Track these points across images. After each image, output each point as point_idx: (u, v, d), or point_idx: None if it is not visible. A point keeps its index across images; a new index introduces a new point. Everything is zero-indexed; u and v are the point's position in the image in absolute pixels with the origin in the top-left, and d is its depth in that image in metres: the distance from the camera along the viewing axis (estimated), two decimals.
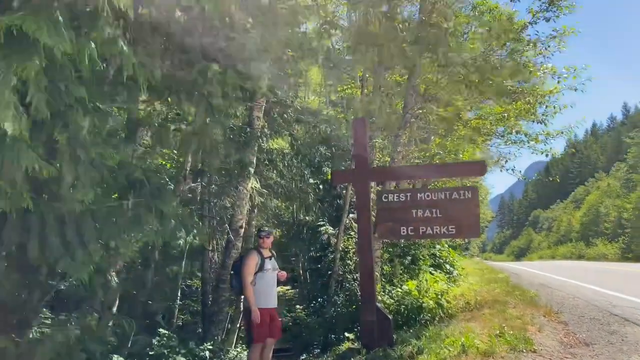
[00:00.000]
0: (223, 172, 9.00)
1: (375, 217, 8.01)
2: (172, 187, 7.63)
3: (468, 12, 10.27)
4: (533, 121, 11.50)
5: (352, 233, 14.15)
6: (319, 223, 14.75)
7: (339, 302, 10.31)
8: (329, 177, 10.79)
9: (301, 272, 26.72)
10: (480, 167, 7.69)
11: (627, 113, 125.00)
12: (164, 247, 11.30)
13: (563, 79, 9.40)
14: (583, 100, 11.45)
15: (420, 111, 10.69)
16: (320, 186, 15.75)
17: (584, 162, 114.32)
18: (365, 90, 10.88)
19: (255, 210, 12.77)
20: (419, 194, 8.11)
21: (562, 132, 11.52)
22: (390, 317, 8.00)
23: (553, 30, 9.22)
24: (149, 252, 8.27)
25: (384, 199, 8.18)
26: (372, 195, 8.17)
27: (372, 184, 9.81)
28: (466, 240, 35.30)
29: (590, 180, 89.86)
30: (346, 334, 9.21)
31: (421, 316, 9.29)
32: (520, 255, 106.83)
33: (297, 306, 19.90)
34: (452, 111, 9.33)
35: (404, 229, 8.23)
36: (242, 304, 6.33)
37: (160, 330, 7.83)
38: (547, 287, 13.85)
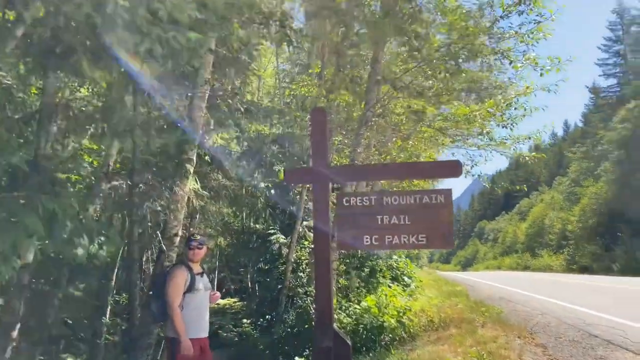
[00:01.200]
0: (154, 170, 7.66)
1: (334, 224, 6.83)
2: (87, 185, 6.30)
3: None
4: (498, 125, 10.77)
5: (306, 243, 13.02)
6: (270, 231, 13.53)
7: (289, 320, 9.11)
8: (281, 177, 9.64)
9: (250, 283, 25.27)
10: (455, 167, 6.65)
11: (567, 129, 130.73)
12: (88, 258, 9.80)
13: (546, 71, 8.66)
14: (553, 103, 10.78)
15: (381, 110, 9.73)
16: (272, 191, 14.55)
17: (528, 175, 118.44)
18: (325, 73, 9.83)
19: (197, 217, 11.41)
20: (385, 198, 6.95)
21: (529, 137, 10.88)
22: (349, 341, 6.78)
23: (537, 15, 8.49)
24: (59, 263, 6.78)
25: (344, 203, 6.97)
26: (331, 199, 7.08)
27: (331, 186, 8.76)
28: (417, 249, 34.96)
29: (535, 193, 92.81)
30: (297, 359, 8.03)
31: (382, 337, 8.25)
32: (466, 265, 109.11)
33: (244, 320, 18.54)
34: (420, 104, 8.41)
35: (367, 237, 7.00)
36: (165, 332, 4.92)
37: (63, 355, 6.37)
38: (509, 301, 13.18)
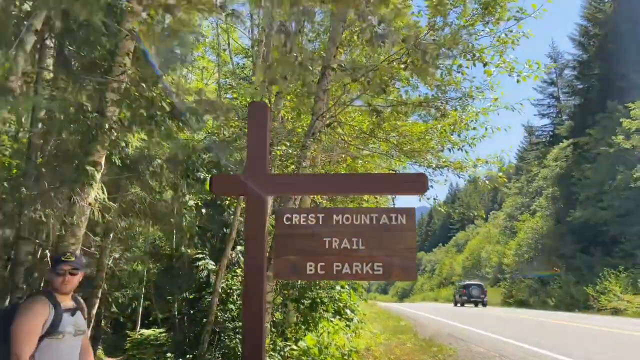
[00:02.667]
0: (46, 171, 6.15)
1: (272, 248, 5.53)
2: None
3: None
4: (452, 148, 9.98)
5: (239, 270, 11.63)
6: (197, 256, 12.02)
7: None
8: (208, 186, 8.33)
9: (177, 313, 23.23)
10: (420, 182, 5.58)
11: (502, 165, 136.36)
12: None
13: (523, 77, 7.94)
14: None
15: (331, 121, 8.68)
16: (203, 210, 13.08)
17: (464, 209, 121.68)
18: (270, 53, 8.67)
19: (111, 235, 9.78)
20: (335, 216, 5.67)
21: (486, 162, 10.19)
22: None
23: (517, 11, 7.78)
24: None
25: (285, 222, 5.66)
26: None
27: (271, 201, 7.55)
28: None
29: (471, 227, 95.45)
30: None
31: None
32: (403, 296, 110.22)
33: (168, 354, 16.67)
34: (381, 102, 7.43)
35: (311, 265, 5.66)
36: None
37: None
38: (460, 339, 12.31)
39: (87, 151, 6.35)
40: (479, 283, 41.85)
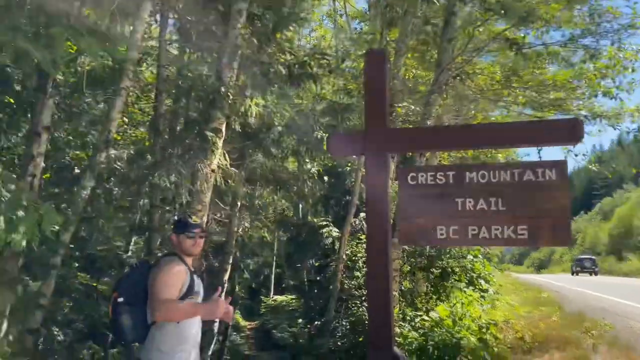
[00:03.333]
0: (168, 138, 6.28)
1: (397, 211, 5.04)
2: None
3: None
4: (597, 95, 8.49)
5: (363, 237, 11.36)
6: (321, 223, 11.98)
7: (340, 331, 7.49)
8: (325, 148, 8.04)
9: (305, 280, 23.92)
10: (574, 129, 4.66)
11: None
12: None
13: None
14: None
15: (460, 71, 7.86)
16: (325, 177, 12.99)
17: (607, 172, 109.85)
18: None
19: (239, 204, 10.02)
20: (468, 174, 4.94)
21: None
22: None
23: None
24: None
25: (410, 182, 5.05)
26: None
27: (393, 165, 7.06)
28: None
29: (618, 192, 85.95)
30: None
31: (458, 359, 6.46)
32: (540, 267, 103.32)
33: (300, 320, 17.25)
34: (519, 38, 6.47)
35: (442, 229, 5.00)
36: (146, 356, 2.99)
37: None
38: (616, 314, 10.86)
39: (208, 118, 6.37)
40: (591, 257, 51.02)
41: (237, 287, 15.40)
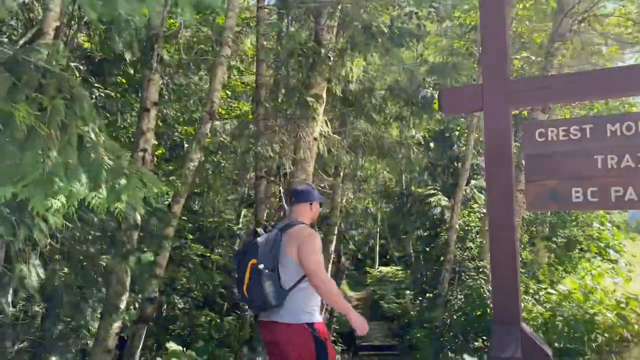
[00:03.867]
0: (271, 105, 6.17)
1: (524, 170, 4.49)
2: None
3: None
4: None
5: (475, 206, 10.73)
6: (429, 192, 11.46)
7: (454, 304, 7.08)
8: (436, 106, 7.44)
9: (411, 251, 23.45)
10: None
11: None
12: None
13: None
14: None
15: (587, 14, 6.89)
16: (431, 144, 12.39)
17: None
18: None
19: (342, 174, 9.84)
20: (610, 125, 4.27)
21: None
22: (549, 351, 4.50)
23: None
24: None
25: (538, 138, 4.49)
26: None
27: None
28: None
29: None
30: (465, 358, 6.03)
31: (593, 337, 5.81)
32: None
33: (407, 292, 16.96)
34: None
35: (578, 191, 4.41)
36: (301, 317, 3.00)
37: None
38: None
39: (308, 84, 6.17)
40: None
41: (342, 258, 15.43)
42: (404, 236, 26.74)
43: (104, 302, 5.22)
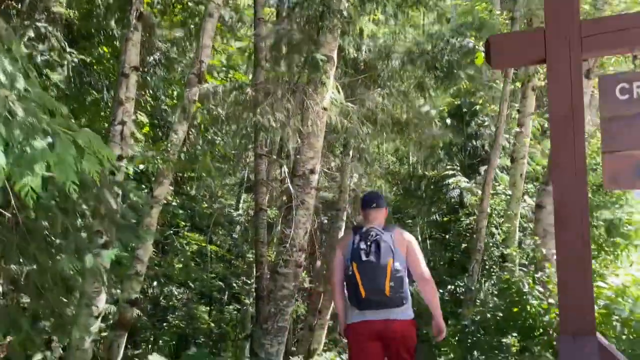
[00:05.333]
0: (274, 69, 5.25)
1: (602, 141, 3.52)
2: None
3: None
4: None
5: (498, 187, 9.83)
6: (447, 172, 10.53)
7: (489, 299, 6.20)
8: (480, 60, 6.41)
9: (420, 237, 22.61)
10: None
11: None
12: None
13: None
14: None
15: None
16: (448, 121, 11.43)
17: None
18: None
19: (351, 153, 8.90)
20: None
21: None
22: None
23: None
24: None
25: (620, 95, 3.58)
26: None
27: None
28: None
29: None
30: None
31: None
32: None
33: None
34: None
35: None
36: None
37: None
38: None
39: (317, 42, 5.22)
40: None
41: None
42: (410, 221, 25.91)
43: (75, 306, 4.37)
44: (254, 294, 7.30)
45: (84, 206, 3.44)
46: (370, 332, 3.26)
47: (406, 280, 3.28)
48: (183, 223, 8.05)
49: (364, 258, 3.20)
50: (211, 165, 5.90)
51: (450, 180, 10.64)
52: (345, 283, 3.36)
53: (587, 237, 3.52)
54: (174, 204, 6.81)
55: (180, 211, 7.18)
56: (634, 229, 10.63)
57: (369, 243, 3.25)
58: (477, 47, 6.42)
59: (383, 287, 3.16)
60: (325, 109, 5.34)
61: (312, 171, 5.33)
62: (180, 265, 8.10)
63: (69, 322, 3.99)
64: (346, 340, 3.52)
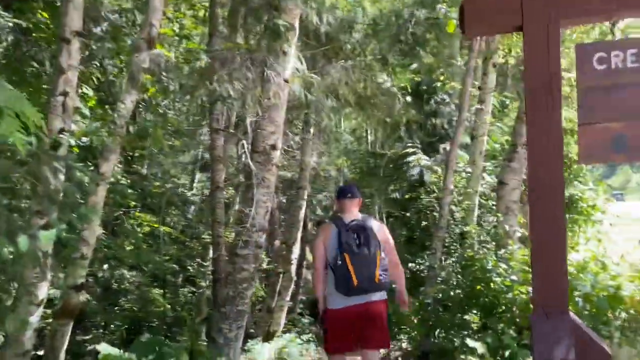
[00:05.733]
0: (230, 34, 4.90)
1: (579, 112, 3.40)
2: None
3: None
4: None
5: (461, 164, 9.82)
6: (408, 150, 10.45)
7: (453, 278, 6.14)
8: (452, 27, 6.21)
9: (377, 217, 22.73)
10: None
11: None
12: None
13: None
14: None
15: None
16: (408, 98, 11.30)
17: None
18: None
19: (312, 130, 8.64)
20: None
21: None
22: (609, 349, 3.54)
23: None
24: None
25: (597, 65, 3.42)
26: None
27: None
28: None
29: None
30: (468, 343, 5.16)
31: (618, 315, 5.02)
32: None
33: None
34: None
35: None
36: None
37: None
38: None
39: (278, 7, 4.89)
40: None
41: (309, 225, 14.41)
42: (368, 200, 25.99)
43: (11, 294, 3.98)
44: (211, 276, 7.01)
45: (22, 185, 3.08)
46: (353, 314, 3.58)
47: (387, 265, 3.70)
48: (134, 203, 7.61)
49: (356, 250, 3.50)
50: (163, 140, 5.48)
51: (411, 158, 10.57)
52: (331, 272, 3.58)
53: (561, 212, 3.41)
54: (123, 182, 6.36)
55: (130, 191, 6.72)
56: (588, 205, 10.94)
57: (358, 234, 3.57)
58: (448, 13, 6.24)
59: (374, 276, 3.51)
60: (287, 80, 5.05)
61: (273, 147, 5.05)
62: (132, 248, 7.67)
63: (4, 311, 3.63)
64: (322, 323, 3.77)
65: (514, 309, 5.37)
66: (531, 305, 5.22)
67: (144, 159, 9.09)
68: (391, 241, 3.82)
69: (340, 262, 3.47)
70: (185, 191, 12.94)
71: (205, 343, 5.78)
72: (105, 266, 8.03)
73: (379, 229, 3.75)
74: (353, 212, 3.74)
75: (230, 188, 8.94)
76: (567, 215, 8.17)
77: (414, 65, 8.69)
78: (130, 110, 4.21)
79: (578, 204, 8.23)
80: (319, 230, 4.35)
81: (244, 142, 5.29)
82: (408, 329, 7.74)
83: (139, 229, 7.78)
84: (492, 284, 5.51)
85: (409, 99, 11.41)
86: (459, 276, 5.89)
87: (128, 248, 8.52)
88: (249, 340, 8.18)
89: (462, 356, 5.25)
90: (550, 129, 3.26)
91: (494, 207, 9.05)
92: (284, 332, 9.25)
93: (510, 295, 5.35)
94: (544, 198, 3.37)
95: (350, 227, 3.58)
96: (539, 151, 3.19)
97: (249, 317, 11.27)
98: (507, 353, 5.23)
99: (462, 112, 6.26)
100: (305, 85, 5.35)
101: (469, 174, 9.09)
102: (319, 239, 3.77)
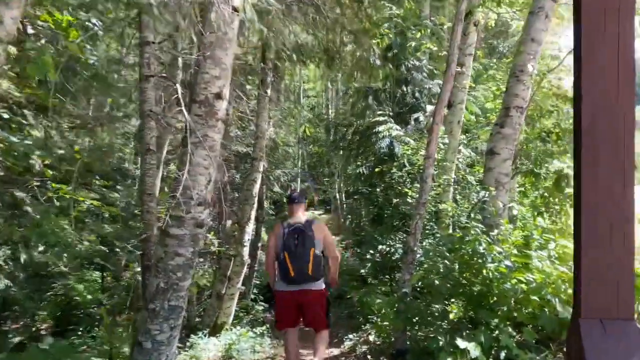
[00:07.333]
0: None
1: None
2: None
3: None
4: None
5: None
6: (378, 119, 9.44)
7: (435, 264, 5.19)
8: None
9: (337, 194, 21.79)
10: None
11: None
12: None
13: None
14: None
15: None
16: (377, 61, 10.27)
17: None
18: None
19: (269, 92, 7.47)
20: None
21: None
22: None
23: None
24: None
25: None
26: None
27: None
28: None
29: None
30: (459, 344, 4.25)
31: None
32: None
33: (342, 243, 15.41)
34: None
35: None
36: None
37: None
38: None
39: None
40: None
41: (265, 203, 13.29)
42: (327, 179, 24.99)
43: None
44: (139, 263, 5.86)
45: None
46: (292, 298, 4.62)
47: (322, 261, 4.63)
48: (50, 172, 6.25)
49: (293, 249, 4.49)
50: (52, 71, 4.20)
51: (381, 128, 9.56)
52: (277, 264, 4.61)
53: (630, 179, 2.51)
54: (27, 142, 5.02)
55: (38, 153, 5.34)
56: None
57: (296, 236, 4.53)
58: None
59: (307, 270, 4.49)
60: (236, 9, 3.90)
61: (217, 96, 3.91)
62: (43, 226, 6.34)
63: None
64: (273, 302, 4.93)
65: (511, 301, 4.50)
66: (556, 309, 4.28)
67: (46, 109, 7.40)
68: (329, 238, 4.77)
69: (282, 258, 4.49)
70: (127, 165, 11.62)
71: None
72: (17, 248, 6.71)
73: (319, 229, 4.66)
74: (298, 215, 4.73)
75: (174, 154, 7.73)
76: (559, 193, 7.45)
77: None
78: (12, 32, 2.97)
79: (571, 179, 7.48)
80: (271, 230, 5.08)
81: (179, 87, 4.12)
82: (376, 320, 6.86)
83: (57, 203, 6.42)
84: (484, 271, 4.61)
85: (378, 62, 10.44)
86: (446, 261, 4.95)
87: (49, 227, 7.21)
88: (192, 336, 7.10)
89: (450, 358, 4.36)
90: (617, 66, 2.38)
91: (472, 183, 8.25)
92: (234, 324, 8.18)
93: (508, 285, 4.45)
94: (602, 158, 2.52)
95: (291, 230, 4.55)
96: (596, 94, 2.32)
97: (193, 305, 10.19)
98: (502, 354, 4.37)
99: (452, 64, 5.24)
100: (260, 16, 4.21)
101: (445, 145, 8.19)
102: (271, 240, 4.79)
